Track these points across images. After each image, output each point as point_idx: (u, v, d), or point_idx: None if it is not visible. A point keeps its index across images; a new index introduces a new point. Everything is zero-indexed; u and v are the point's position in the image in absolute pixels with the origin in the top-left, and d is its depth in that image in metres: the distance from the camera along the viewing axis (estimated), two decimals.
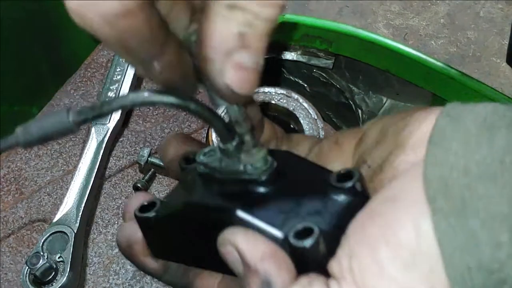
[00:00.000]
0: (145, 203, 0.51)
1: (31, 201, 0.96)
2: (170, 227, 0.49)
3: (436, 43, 1.92)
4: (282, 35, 0.94)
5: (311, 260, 0.42)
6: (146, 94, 0.43)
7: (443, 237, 0.39)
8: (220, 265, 0.46)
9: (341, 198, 0.45)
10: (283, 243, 0.43)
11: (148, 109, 1.02)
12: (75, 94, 1.03)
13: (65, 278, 0.84)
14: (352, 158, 0.50)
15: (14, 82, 1.01)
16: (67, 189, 0.92)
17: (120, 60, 1.00)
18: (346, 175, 0.46)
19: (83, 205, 0.90)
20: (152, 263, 0.52)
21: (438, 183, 0.40)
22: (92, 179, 0.92)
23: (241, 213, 0.45)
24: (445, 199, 0.40)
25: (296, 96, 0.91)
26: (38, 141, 0.43)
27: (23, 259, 0.91)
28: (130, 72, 1.00)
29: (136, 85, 1.02)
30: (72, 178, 0.93)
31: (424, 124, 0.44)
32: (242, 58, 0.41)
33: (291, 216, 0.44)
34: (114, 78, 1.00)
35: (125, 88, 0.99)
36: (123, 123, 1.00)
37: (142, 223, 0.50)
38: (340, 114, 1.05)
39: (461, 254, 0.39)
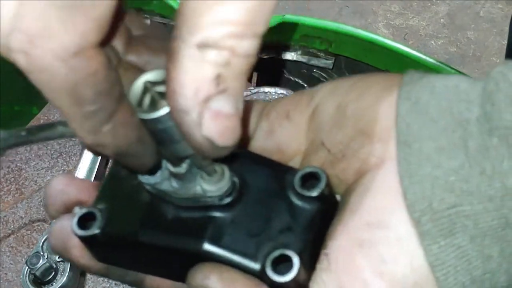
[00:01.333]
0: (82, 213, 0.43)
1: (31, 201, 0.95)
2: (118, 246, 0.44)
3: (436, 43, 1.92)
4: (282, 35, 0.94)
5: None
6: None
7: (435, 261, 0.38)
8: (178, 276, 0.43)
9: (309, 206, 0.42)
10: (260, 274, 0.40)
11: None
12: None
13: (65, 278, 0.84)
14: (306, 135, 0.44)
15: (14, 82, 1.01)
16: None
17: None
18: (310, 176, 0.42)
19: None
20: (94, 265, 0.45)
21: (422, 204, 0.38)
22: (92, 179, 0.92)
23: (209, 247, 0.40)
24: (432, 222, 0.38)
25: None
26: None
27: (23, 259, 0.90)
28: None
29: None
30: None
31: (389, 110, 0.41)
32: (220, 104, 0.35)
33: (262, 239, 0.41)
34: None
35: None
36: None
37: (83, 240, 0.43)
38: None
39: (455, 273, 0.38)
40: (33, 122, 1.01)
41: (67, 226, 0.44)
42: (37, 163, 0.98)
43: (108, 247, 0.44)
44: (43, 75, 0.34)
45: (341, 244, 0.40)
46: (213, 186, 0.41)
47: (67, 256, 0.46)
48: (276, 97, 0.91)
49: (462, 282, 0.38)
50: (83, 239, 0.43)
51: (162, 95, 0.37)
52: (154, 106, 0.37)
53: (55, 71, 0.34)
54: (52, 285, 0.84)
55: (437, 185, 0.38)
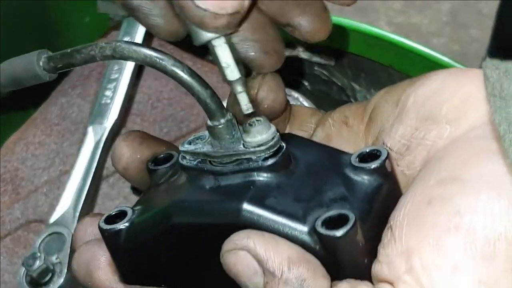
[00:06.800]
0: (112, 213, 0.41)
1: (27, 201, 0.95)
2: (148, 240, 0.40)
3: (438, 41, 1.91)
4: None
5: (346, 256, 0.34)
6: (123, 44, 0.36)
7: None
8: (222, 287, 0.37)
9: (369, 180, 0.37)
10: (307, 240, 0.35)
11: (146, 108, 1.02)
12: (72, 93, 1.02)
13: (62, 280, 0.83)
14: (365, 140, 0.42)
15: None
16: (64, 189, 0.91)
17: None
18: (370, 156, 0.38)
19: (80, 205, 0.89)
20: None
21: None
22: (90, 179, 0.91)
23: (248, 207, 0.35)
24: None
25: (296, 95, 0.92)
26: (7, 83, 0.39)
27: (20, 260, 0.90)
28: (128, 71, 0.99)
29: (134, 83, 1.01)
30: (69, 178, 0.92)
31: (456, 88, 0.37)
32: None
33: (312, 205, 0.35)
34: (111, 77, 1.00)
35: (122, 87, 0.99)
36: (121, 123, 0.99)
37: (110, 238, 0.40)
38: None
39: None
40: (30, 122, 1.01)
41: (93, 249, 0.42)
42: (34, 163, 0.97)
43: (136, 251, 0.40)
44: None
45: (406, 209, 0.34)
46: (255, 136, 0.37)
47: (90, 282, 0.42)
48: None
49: None
50: (106, 234, 0.40)
51: None
52: None
53: None
54: (49, 286, 0.84)
55: None
